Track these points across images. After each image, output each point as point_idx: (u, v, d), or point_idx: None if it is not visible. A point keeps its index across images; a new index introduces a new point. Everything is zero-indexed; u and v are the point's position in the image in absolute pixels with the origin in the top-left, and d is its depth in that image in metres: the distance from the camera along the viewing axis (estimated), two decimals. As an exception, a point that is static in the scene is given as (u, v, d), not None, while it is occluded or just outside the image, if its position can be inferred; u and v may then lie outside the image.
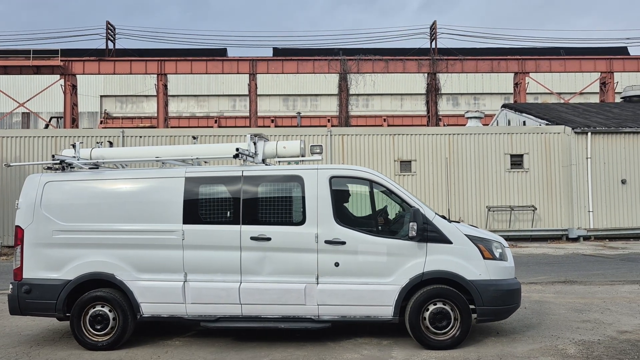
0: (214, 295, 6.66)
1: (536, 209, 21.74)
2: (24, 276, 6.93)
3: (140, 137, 24.81)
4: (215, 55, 41.87)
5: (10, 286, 6.99)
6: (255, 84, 35.27)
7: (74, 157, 7.41)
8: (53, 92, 38.09)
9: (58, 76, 34.76)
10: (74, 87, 34.84)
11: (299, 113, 40.17)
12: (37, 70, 34.28)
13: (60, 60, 33.96)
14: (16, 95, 38.40)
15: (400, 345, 6.52)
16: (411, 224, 6.38)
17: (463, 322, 6.33)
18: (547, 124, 23.61)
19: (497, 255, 6.55)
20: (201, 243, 6.75)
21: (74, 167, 7.35)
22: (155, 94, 37.49)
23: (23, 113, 42.70)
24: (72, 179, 7.21)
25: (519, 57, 37.12)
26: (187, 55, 39.59)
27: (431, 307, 6.39)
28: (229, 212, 6.85)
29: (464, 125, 30.41)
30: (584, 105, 29.60)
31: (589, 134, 22.03)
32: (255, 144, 7.28)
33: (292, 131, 25.82)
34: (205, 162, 7.86)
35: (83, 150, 7.52)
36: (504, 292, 6.45)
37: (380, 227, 6.72)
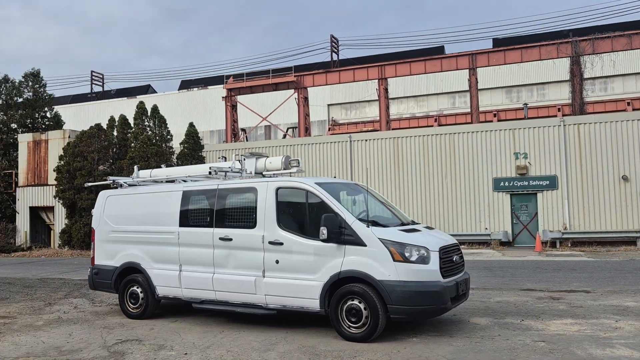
0: (198, 283, 8.41)
1: None
2: (95, 263, 9.83)
3: (366, 140, 26.17)
4: (432, 54, 41.81)
5: (89, 270, 9.93)
6: (476, 79, 34.20)
7: (133, 177, 10.29)
8: (288, 105, 42.51)
9: (292, 90, 38.65)
10: (306, 99, 38.33)
11: (525, 104, 37.62)
12: (276, 87, 38.63)
13: (294, 76, 37.68)
14: (259, 110, 43.88)
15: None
16: (321, 228, 7.17)
17: (372, 318, 6.89)
18: None
19: (413, 258, 6.87)
20: (189, 242, 8.60)
21: (131, 184, 10.06)
22: (377, 99, 39.04)
23: (265, 126, 48.58)
24: (119, 194, 9.92)
25: None
26: (405, 58, 40.35)
27: (348, 303, 7.09)
28: (207, 218, 8.51)
29: None
30: None
31: None
32: (240, 161, 9.01)
33: (520, 124, 24.37)
34: (240, 173, 9.10)
35: (143, 171, 10.48)
36: (412, 292, 6.76)
37: (310, 231, 7.47)
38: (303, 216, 7.79)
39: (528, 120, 27.44)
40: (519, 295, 10.43)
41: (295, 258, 7.52)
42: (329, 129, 47.09)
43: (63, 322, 8.96)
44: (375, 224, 7.31)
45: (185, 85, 58.54)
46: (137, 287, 9.15)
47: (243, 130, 45.01)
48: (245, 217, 8.12)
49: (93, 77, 62.86)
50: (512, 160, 23.54)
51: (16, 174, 29.93)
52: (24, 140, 29.30)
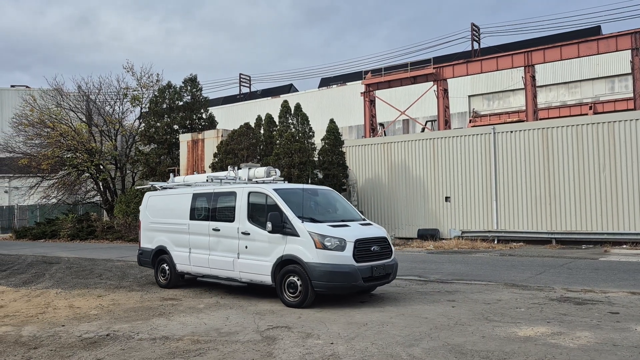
0: (200, 261, 11.23)
1: None
2: (140, 246, 13.19)
3: (511, 132, 24.79)
4: (586, 35, 38.25)
5: (137, 251, 13.50)
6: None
7: (168, 182, 13.47)
8: (427, 98, 41.71)
9: (431, 83, 37.86)
10: (445, 91, 37.32)
11: (702, 86, 32.77)
12: (414, 80, 38.12)
13: (433, 68, 36.88)
14: (397, 104, 43.66)
15: None
16: (267, 222, 9.56)
17: (303, 290, 9.22)
18: None
19: (331, 246, 9.10)
20: (195, 231, 11.40)
21: (165, 188, 13.27)
22: (522, 87, 36.72)
23: (403, 120, 48.21)
24: (156, 195, 13.12)
25: None
26: (554, 42, 37.43)
27: (288, 279, 9.43)
28: (206, 213, 11.30)
29: None
30: None
31: None
32: (233, 170, 11.87)
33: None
34: (235, 180, 11.74)
35: (178, 177, 13.57)
36: (327, 272, 8.99)
37: (266, 225, 9.66)
38: (263, 213, 10.00)
39: None
40: (698, 304, 9.19)
41: (257, 244, 9.96)
42: (470, 121, 45.36)
43: (221, 307, 9.78)
44: (312, 220, 9.58)
45: (325, 82, 60.24)
46: (165, 265, 12.24)
47: (381, 124, 45.13)
48: (228, 213, 10.72)
49: (241, 79, 67.39)
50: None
51: (178, 170, 33.16)
52: (184, 139, 32.34)
